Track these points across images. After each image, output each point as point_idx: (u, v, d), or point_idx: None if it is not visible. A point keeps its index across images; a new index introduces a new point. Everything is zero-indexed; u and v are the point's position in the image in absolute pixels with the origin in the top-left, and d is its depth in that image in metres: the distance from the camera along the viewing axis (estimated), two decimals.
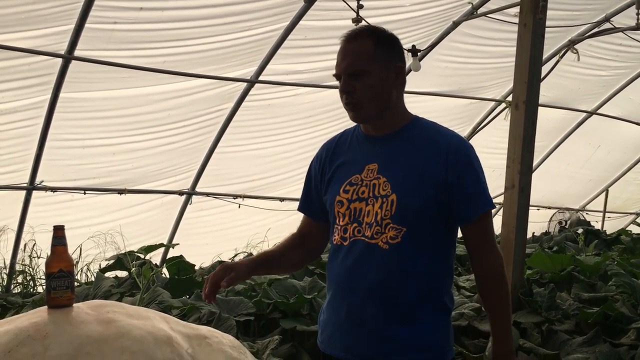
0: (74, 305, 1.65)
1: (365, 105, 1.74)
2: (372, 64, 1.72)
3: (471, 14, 5.41)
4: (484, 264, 1.76)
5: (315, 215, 1.94)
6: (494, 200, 1.85)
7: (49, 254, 1.66)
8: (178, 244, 5.85)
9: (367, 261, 1.72)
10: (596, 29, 5.86)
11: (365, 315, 1.72)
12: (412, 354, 1.71)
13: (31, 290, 5.37)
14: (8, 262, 5.51)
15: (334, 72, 1.80)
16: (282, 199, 6.45)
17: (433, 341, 1.74)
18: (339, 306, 1.77)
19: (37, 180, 5.24)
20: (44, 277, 5.38)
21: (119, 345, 1.52)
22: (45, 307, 1.64)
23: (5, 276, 5.50)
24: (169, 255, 5.94)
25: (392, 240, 1.70)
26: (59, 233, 1.66)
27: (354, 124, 1.90)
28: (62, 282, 1.64)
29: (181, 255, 5.36)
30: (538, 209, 8.17)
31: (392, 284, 1.70)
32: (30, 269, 5.48)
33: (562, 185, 8.46)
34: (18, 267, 5.54)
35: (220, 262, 5.64)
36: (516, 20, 4.04)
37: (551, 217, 8.69)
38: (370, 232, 1.72)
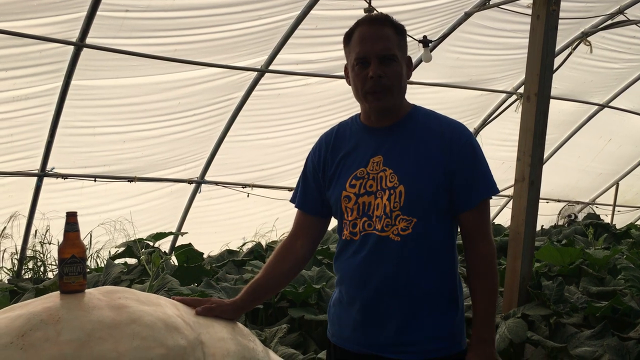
0: (86, 290, 1.66)
1: (393, 92, 1.73)
2: (398, 51, 1.74)
3: (483, 5, 5.37)
4: (478, 251, 1.76)
5: (313, 209, 1.90)
6: (504, 192, 1.85)
7: (61, 240, 1.67)
8: (187, 233, 5.89)
9: (379, 254, 1.71)
10: (610, 21, 5.80)
11: (379, 308, 1.72)
12: (427, 344, 1.72)
13: (41, 275, 5.42)
14: (19, 247, 5.56)
15: (344, 60, 1.78)
16: (290, 189, 6.45)
17: (447, 331, 1.74)
18: (352, 300, 1.76)
19: (48, 167, 5.27)
20: (54, 263, 5.45)
21: (130, 330, 1.54)
22: (58, 292, 1.66)
23: (16, 262, 5.55)
24: (178, 243, 5.98)
25: (403, 232, 1.70)
26: (71, 219, 1.66)
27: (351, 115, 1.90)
28: (74, 268, 1.64)
29: (190, 244, 5.39)
30: (547, 202, 8.15)
31: (405, 275, 1.70)
32: (41, 255, 5.53)
33: (572, 179, 8.42)
34: (29, 253, 5.59)
35: (230, 251, 5.68)
36: (529, 11, 4.01)
37: (560, 211, 8.66)
38: (380, 225, 1.71)
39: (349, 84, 1.81)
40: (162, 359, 1.52)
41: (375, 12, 4.27)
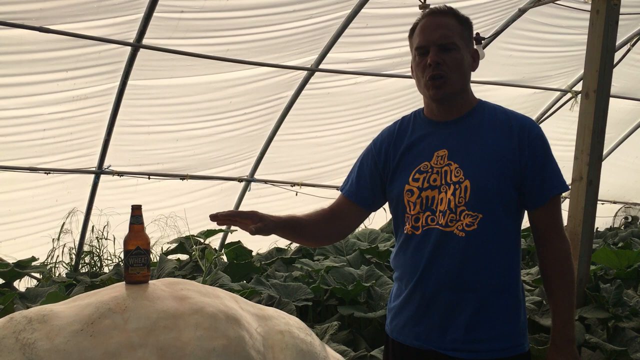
0: (150, 282, 1.71)
1: (452, 80, 1.71)
2: (460, 40, 1.72)
3: (538, 1, 5.25)
4: (552, 248, 1.72)
5: (362, 199, 1.88)
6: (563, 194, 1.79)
7: (127, 232, 1.72)
8: (236, 230, 5.95)
9: (442, 249, 1.69)
10: None
11: (441, 305, 1.69)
12: (489, 343, 1.68)
13: (97, 270, 5.59)
14: (77, 242, 5.75)
15: (396, 59, 1.78)
16: (338, 188, 6.43)
17: (510, 330, 1.70)
18: (412, 295, 1.74)
19: (105, 164, 5.44)
20: (109, 258, 5.61)
21: (193, 320, 1.57)
22: (124, 282, 1.71)
23: (74, 256, 5.74)
24: (228, 241, 6.06)
25: (468, 228, 1.67)
26: (136, 212, 1.71)
27: (411, 111, 1.88)
28: (139, 259, 1.69)
29: (239, 241, 5.46)
30: (603, 204, 7.89)
31: (469, 272, 1.67)
32: (97, 250, 5.70)
33: (629, 179, 8.14)
34: (86, 248, 5.77)
35: (278, 249, 5.73)
36: (585, 7, 3.91)
37: (616, 212, 8.39)
38: (444, 220, 1.69)
39: (415, 78, 1.81)
40: (223, 350, 1.55)
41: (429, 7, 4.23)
